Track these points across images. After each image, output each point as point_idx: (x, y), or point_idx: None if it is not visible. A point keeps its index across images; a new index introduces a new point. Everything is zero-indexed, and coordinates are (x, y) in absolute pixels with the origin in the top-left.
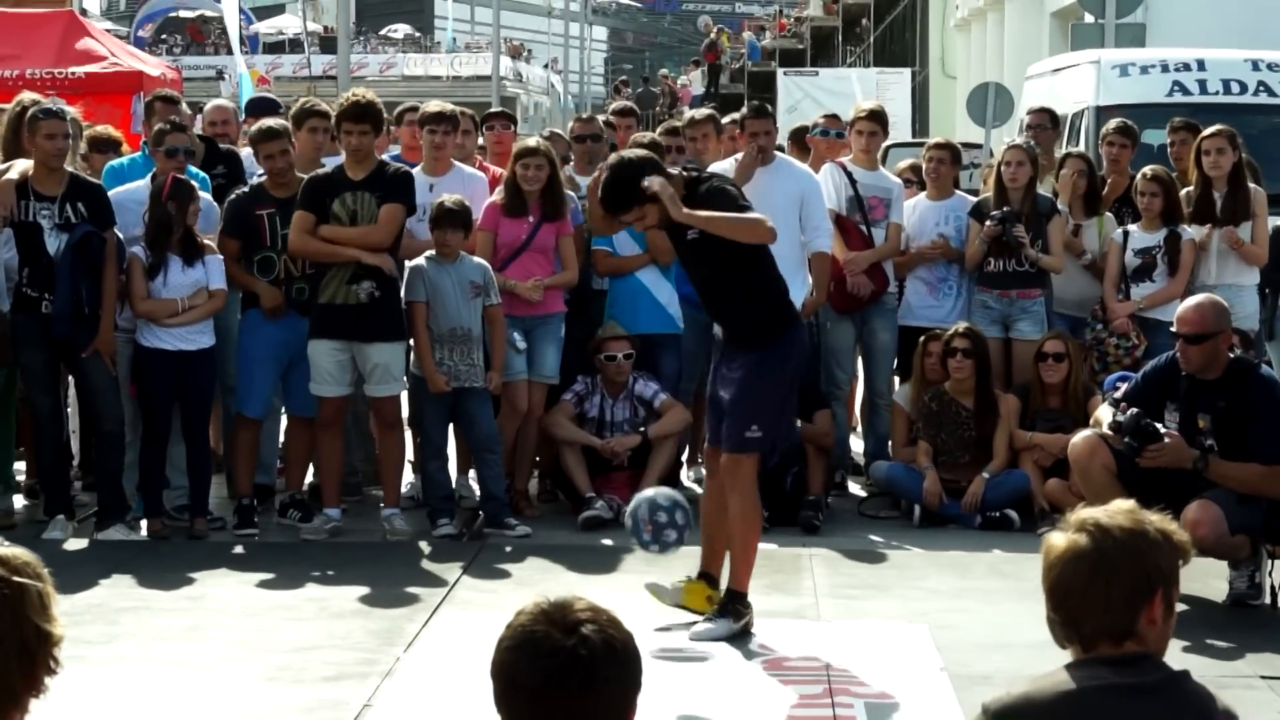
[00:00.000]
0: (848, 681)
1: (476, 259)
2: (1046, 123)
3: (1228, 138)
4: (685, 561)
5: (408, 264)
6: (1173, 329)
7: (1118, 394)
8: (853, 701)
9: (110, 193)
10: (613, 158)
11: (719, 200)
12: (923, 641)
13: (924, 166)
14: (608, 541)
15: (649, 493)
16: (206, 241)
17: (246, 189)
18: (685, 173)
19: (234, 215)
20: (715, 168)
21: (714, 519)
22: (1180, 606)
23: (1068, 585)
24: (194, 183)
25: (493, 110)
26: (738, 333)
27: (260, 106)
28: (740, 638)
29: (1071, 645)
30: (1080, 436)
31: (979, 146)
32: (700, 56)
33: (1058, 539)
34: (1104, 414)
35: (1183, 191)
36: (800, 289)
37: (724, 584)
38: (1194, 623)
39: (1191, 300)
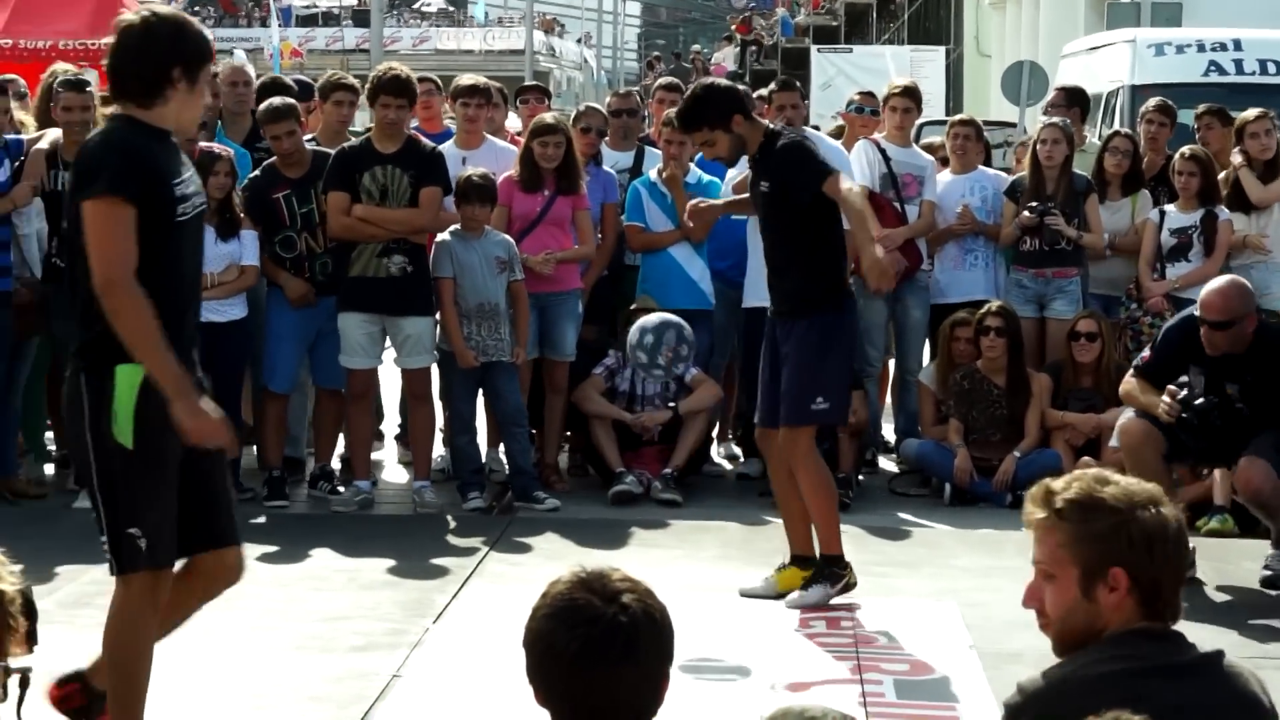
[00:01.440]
0: (876, 659)
1: (501, 234)
2: (1063, 101)
3: (1272, 120)
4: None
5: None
6: (1196, 313)
7: (1142, 356)
8: (881, 679)
9: None
10: (704, 80)
11: (807, 161)
12: (952, 619)
13: (949, 143)
14: (637, 516)
15: (675, 321)
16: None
17: (259, 172)
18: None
19: (251, 200)
20: None
21: (789, 501)
22: (1217, 590)
23: None
24: (222, 153)
25: (527, 84)
26: (795, 296)
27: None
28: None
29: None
30: (1131, 419)
31: (1013, 125)
32: (732, 31)
33: None
34: (1132, 385)
35: (1221, 175)
36: None
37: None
38: (1230, 605)
39: (1214, 285)
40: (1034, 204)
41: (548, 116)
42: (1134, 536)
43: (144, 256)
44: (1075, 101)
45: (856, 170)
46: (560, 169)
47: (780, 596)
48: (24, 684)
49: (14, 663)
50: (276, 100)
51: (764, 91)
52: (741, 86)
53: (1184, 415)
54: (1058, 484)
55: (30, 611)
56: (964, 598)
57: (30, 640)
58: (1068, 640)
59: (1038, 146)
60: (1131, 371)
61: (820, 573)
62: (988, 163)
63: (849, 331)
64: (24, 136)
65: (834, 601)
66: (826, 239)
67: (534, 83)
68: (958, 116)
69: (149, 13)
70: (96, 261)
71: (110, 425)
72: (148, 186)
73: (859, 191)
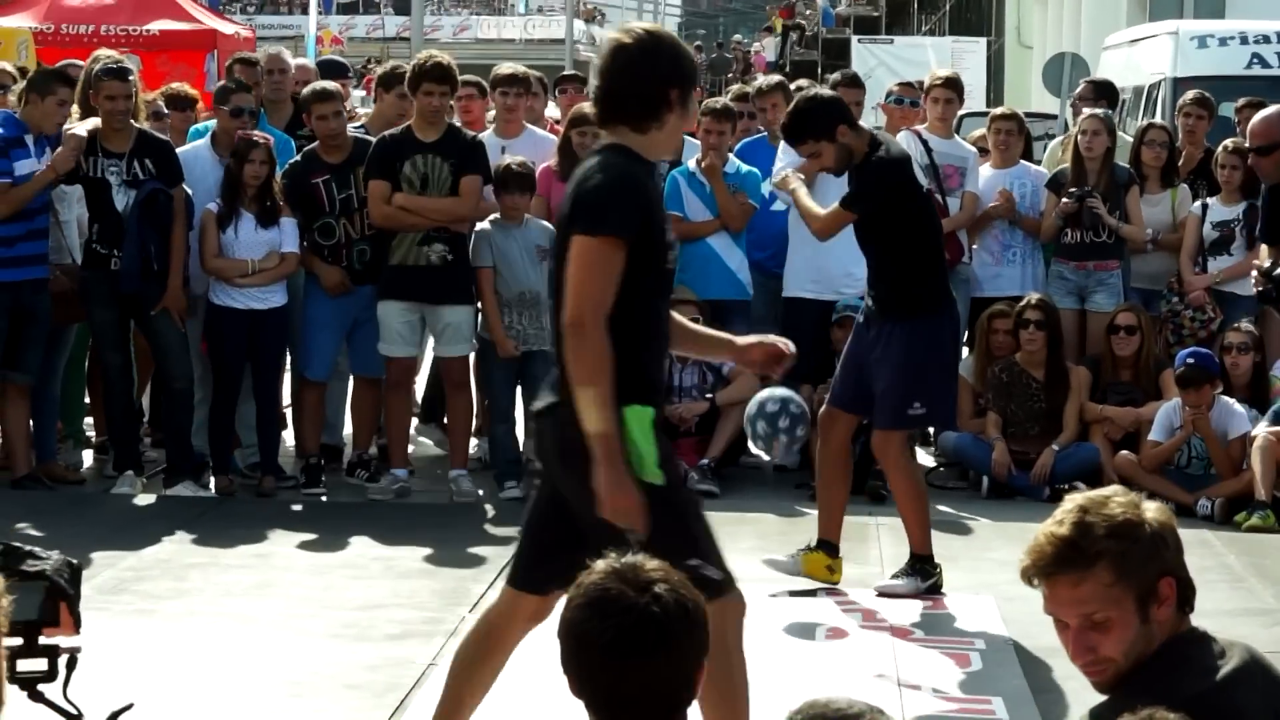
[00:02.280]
0: (912, 652)
1: (542, 222)
2: (1090, 94)
3: None
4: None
5: (474, 229)
6: (1247, 145)
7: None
8: (917, 671)
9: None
10: (808, 92)
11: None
12: (989, 613)
13: (991, 137)
14: None
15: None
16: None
17: (298, 159)
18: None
19: (291, 186)
20: None
21: (829, 486)
22: (1258, 586)
23: None
24: (260, 139)
25: (566, 74)
26: (894, 300)
27: (327, 68)
28: (930, 594)
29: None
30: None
31: (1054, 117)
32: (772, 21)
33: None
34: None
35: None
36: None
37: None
38: (1270, 602)
39: (1259, 114)
40: (1073, 189)
41: (586, 106)
42: (1166, 538)
43: (627, 300)
44: (1103, 94)
45: None
46: None
47: (801, 575)
48: (71, 665)
49: (64, 642)
50: (323, 83)
51: (803, 82)
52: (779, 78)
53: (1265, 287)
54: (1061, 531)
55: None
56: (1001, 591)
57: (75, 622)
58: (1129, 673)
59: (1079, 138)
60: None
61: (913, 567)
62: (1028, 155)
63: (950, 335)
64: (66, 126)
65: (870, 593)
66: (923, 243)
67: (573, 72)
68: (999, 110)
69: (644, 31)
70: (574, 297)
71: (638, 469)
72: (645, 231)
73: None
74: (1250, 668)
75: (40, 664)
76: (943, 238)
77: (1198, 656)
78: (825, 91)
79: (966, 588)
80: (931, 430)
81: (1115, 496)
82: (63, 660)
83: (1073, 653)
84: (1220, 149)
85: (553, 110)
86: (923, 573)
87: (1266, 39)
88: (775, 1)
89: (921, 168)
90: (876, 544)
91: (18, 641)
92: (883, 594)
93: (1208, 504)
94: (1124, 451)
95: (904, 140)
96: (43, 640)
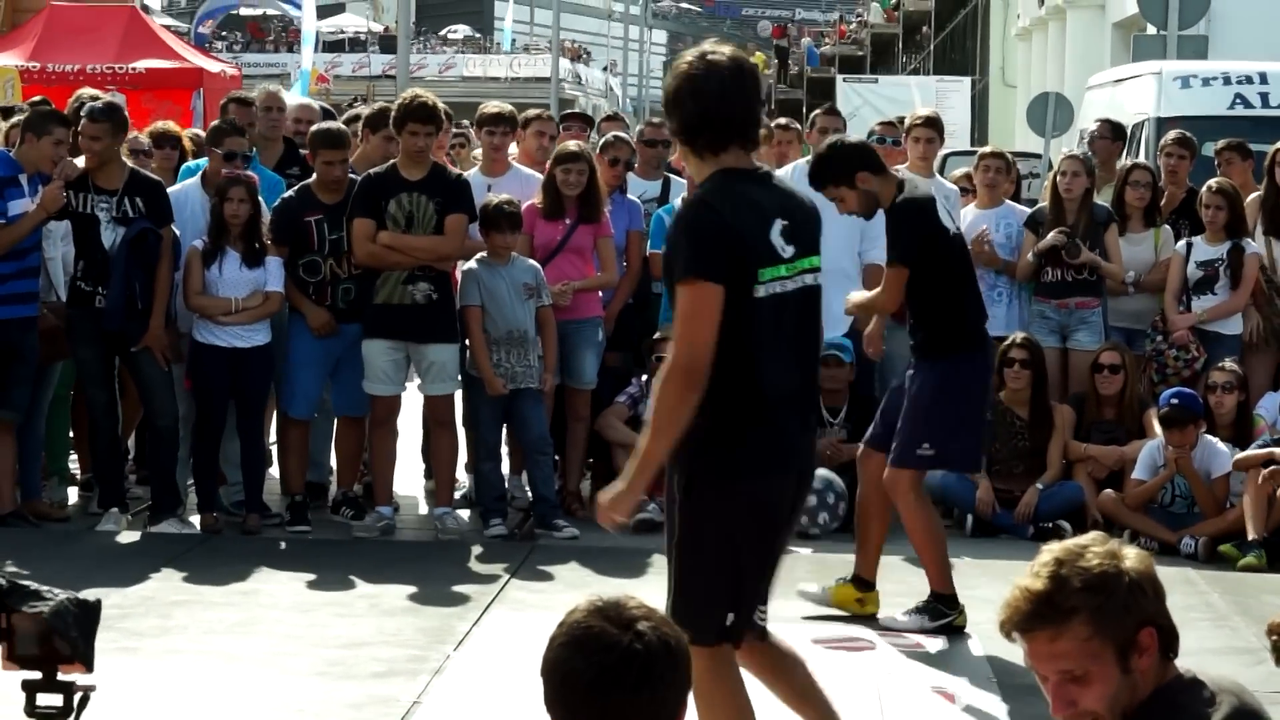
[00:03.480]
0: (896, 689)
1: (528, 260)
2: (1108, 133)
3: None
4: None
5: (460, 267)
6: None
7: None
8: (900, 708)
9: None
10: (832, 138)
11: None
12: (973, 650)
13: (979, 175)
14: (659, 544)
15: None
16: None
17: (293, 193)
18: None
19: (282, 221)
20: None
21: (865, 523)
22: (1241, 626)
23: None
24: (245, 178)
25: (569, 112)
26: (925, 342)
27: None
28: (938, 635)
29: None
30: None
31: (1038, 156)
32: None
33: None
34: None
35: (1249, 199)
36: None
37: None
38: (1253, 641)
39: None
40: (1061, 230)
41: (571, 144)
42: (1145, 586)
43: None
44: (1120, 135)
45: None
46: (582, 197)
47: (832, 606)
48: (83, 703)
49: (80, 680)
50: (334, 125)
51: (782, 121)
52: (854, 139)
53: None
54: (1036, 585)
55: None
56: (985, 629)
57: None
58: None
59: (1058, 178)
60: None
61: (927, 605)
62: (1016, 195)
63: (976, 379)
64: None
65: (854, 629)
66: (958, 287)
67: (578, 110)
68: (987, 149)
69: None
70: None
71: None
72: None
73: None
74: (1241, 712)
75: (56, 699)
76: (975, 281)
77: (1188, 704)
78: (851, 139)
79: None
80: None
81: (1092, 546)
82: (77, 697)
83: (1054, 706)
84: (1205, 189)
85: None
86: (933, 611)
87: (1249, 79)
88: (758, 40)
89: None
90: None
91: (37, 675)
92: (885, 628)
93: (1191, 542)
94: (1108, 490)
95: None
96: (60, 676)
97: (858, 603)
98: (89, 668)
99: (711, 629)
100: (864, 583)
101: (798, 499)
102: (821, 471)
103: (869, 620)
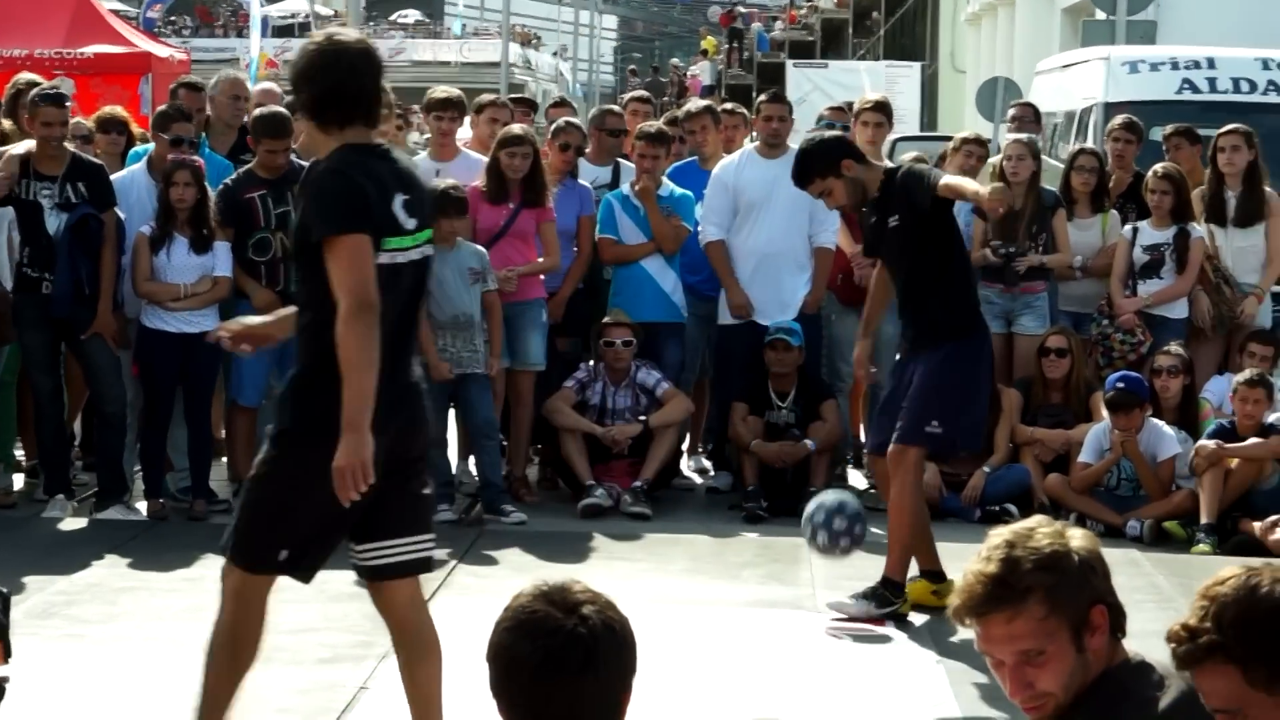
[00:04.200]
0: (841, 675)
1: (473, 245)
2: (1031, 116)
3: (1243, 136)
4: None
5: None
6: None
7: None
8: (847, 692)
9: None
10: (812, 135)
11: (919, 174)
12: (919, 635)
13: (959, 161)
14: (606, 529)
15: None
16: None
17: (233, 177)
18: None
19: (224, 202)
20: (723, 165)
21: (904, 525)
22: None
23: None
24: (192, 162)
25: (515, 97)
26: (926, 327)
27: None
28: (886, 622)
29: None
30: None
31: (988, 141)
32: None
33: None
34: None
35: (1195, 191)
36: (805, 285)
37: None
38: None
39: None
40: (999, 246)
41: (516, 127)
42: (1095, 566)
43: None
44: (1039, 117)
45: None
46: (526, 180)
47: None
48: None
49: None
50: (276, 111)
51: (730, 106)
52: (706, 102)
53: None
54: (990, 569)
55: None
56: (932, 612)
57: (5, 651)
58: (1069, 707)
59: (1004, 163)
60: None
61: (875, 591)
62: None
63: (980, 362)
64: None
65: (802, 614)
66: (956, 267)
67: (522, 95)
68: (967, 134)
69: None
70: None
71: None
72: None
73: (960, 178)
74: (1190, 696)
75: None
76: (969, 260)
77: (1137, 688)
78: (828, 132)
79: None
80: (865, 451)
81: (1040, 527)
82: None
83: (1011, 689)
84: (1150, 174)
85: (465, 131)
86: (881, 598)
87: (1197, 64)
88: (710, 26)
89: None
90: (809, 565)
91: None
92: (833, 609)
93: (1137, 525)
94: (1054, 473)
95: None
96: None
97: (934, 595)
98: (8, 657)
99: (260, 559)
100: (934, 575)
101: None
102: (852, 502)
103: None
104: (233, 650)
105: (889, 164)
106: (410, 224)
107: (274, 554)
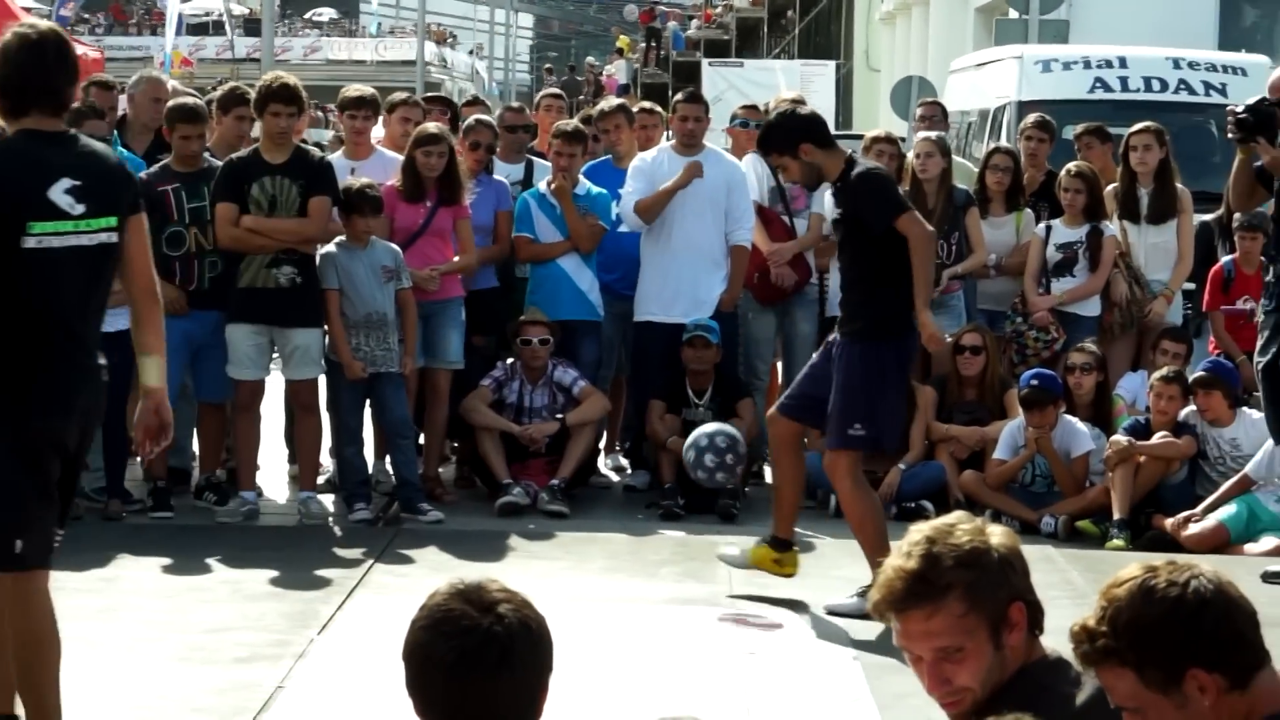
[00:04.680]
0: (762, 672)
1: (387, 243)
2: (939, 115)
3: (1155, 134)
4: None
5: (319, 251)
6: (1266, 100)
7: None
8: (766, 692)
9: None
10: (784, 107)
11: (879, 194)
12: (835, 630)
13: (872, 159)
14: (523, 527)
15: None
16: None
17: (148, 171)
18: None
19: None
20: (641, 158)
21: (781, 486)
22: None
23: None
24: None
25: (431, 95)
26: (856, 320)
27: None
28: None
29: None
30: None
31: (902, 140)
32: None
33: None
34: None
35: (1108, 189)
36: (721, 283)
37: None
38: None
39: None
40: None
41: (431, 126)
42: (1014, 563)
43: None
44: (948, 116)
45: (748, 185)
46: (442, 179)
47: (750, 568)
48: None
49: None
50: (190, 100)
51: (645, 104)
52: (620, 101)
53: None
54: (910, 565)
55: None
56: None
57: None
58: (986, 703)
59: (913, 161)
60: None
61: (866, 589)
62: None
63: (902, 364)
64: None
65: (719, 610)
66: (893, 270)
67: (438, 94)
68: (877, 132)
69: (42, 31)
70: None
71: None
72: None
73: (929, 235)
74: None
75: None
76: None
77: (1054, 684)
78: (803, 109)
79: (814, 606)
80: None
81: (960, 524)
82: None
83: (928, 685)
84: (1064, 172)
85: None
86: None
87: (1109, 63)
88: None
89: (769, 190)
90: (725, 564)
91: None
92: (831, 612)
93: (1051, 521)
94: (969, 470)
95: (749, 163)
96: None
97: (775, 563)
98: None
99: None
100: (781, 543)
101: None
102: (729, 430)
103: (795, 605)
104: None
105: (850, 153)
106: (77, 209)
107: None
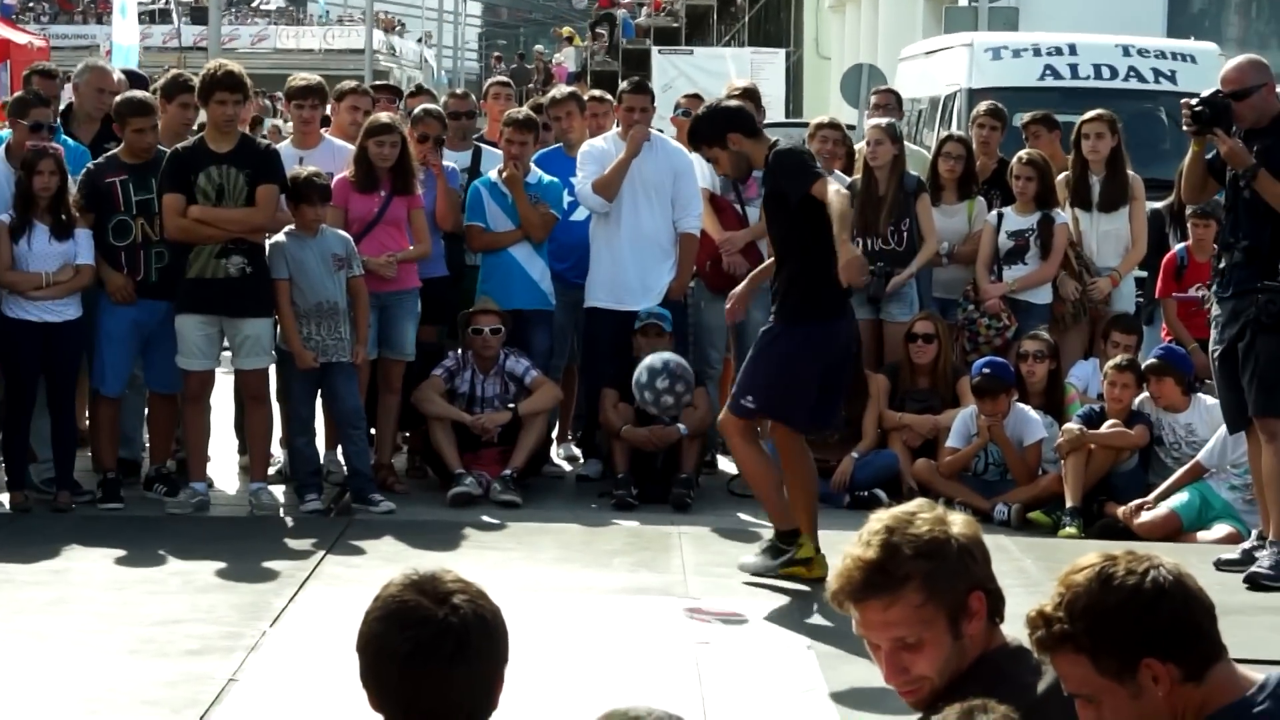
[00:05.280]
0: (715, 659)
1: (338, 231)
2: (894, 102)
3: (1107, 123)
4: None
5: (268, 241)
6: (1220, 92)
7: None
8: (719, 679)
9: None
10: (713, 101)
11: (791, 166)
12: (788, 617)
13: (815, 145)
14: (476, 518)
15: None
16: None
17: (97, 161)
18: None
19: (86, 188)
20: (590, 144)
21: (753, 478)
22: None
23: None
24: (52, 149)
25: (379, 83)
26: (780, 300)
27: (130, 81)
28: (790, 568)
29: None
30: None
31: (852, 128)
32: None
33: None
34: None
35: (1060, 177)
36: (669, 271)
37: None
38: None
39: (1231, 61)
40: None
41: (383, 116)
42: (974, 552)
43: None
44: (901, 103)
45: (697, 172)
46: (395, 169)
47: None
48: None
49: None
50: (139, 94)
51: (596, 92)
52: (571, 88)
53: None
54: (868, 554)
55: None
56: (803, 595)
57: None
58: (945, 691)
59: (864, 148)
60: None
61: (770, 546)
62: (849, 167)
63: (818, 350)
64: None
65: (673, 600)
66: (817, 249)
67: (386, 82)
68: (824, 119)
69: None
70: None
71: None
72: None
73: (844, 195)
74: None
75: None
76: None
77: (1014, 673)
78: (731, 102)
79: (767, 594)
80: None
81: (920, 513)
82: None
83: (886, 674)
84: (1015, 160)
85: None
86: (775, 550)
87: (1059, 51)
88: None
89: (720, 179)
90: (679, 552)
91: None
92: (743, 569)
93: (1004, 509)
94: (922, 459)
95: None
96: None
97: (803, 568)
98: None
99: None
100: (786, 535)
101: None
102: (680, 361)
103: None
104: None
105: (775, 140)
106: None
107: None
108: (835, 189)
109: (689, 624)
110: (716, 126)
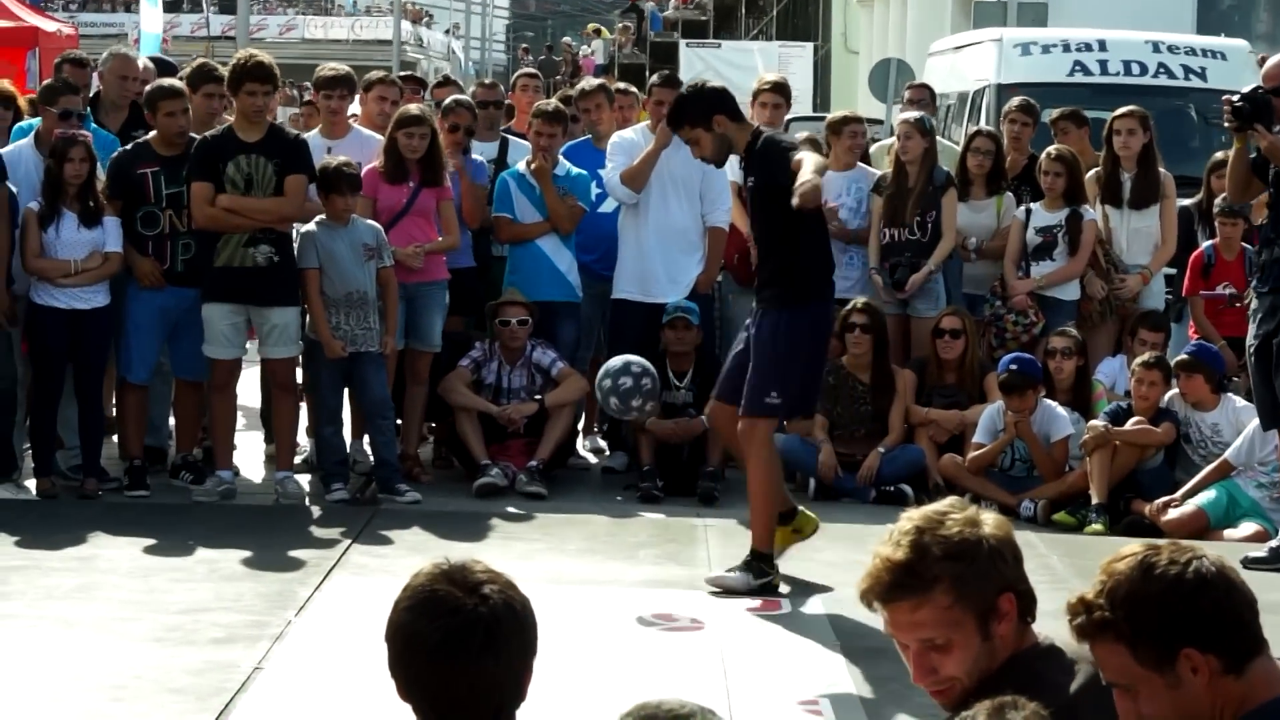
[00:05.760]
0: (742, 653)
1: (368, 221)
2: (927, 97)
3: (1139, 119)
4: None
5: (298, 230)
6: (1261, 88)
7: None
8: (746, 673)
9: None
10: (695, 82)
11: (778, 153)
12: (816, 613)
13: (842, 141)
14: (501, 509)
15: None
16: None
17: (128, 148)
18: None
19: (115, 175)
20: (619, 135)
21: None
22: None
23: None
24: (82, 137)
25: (404, 74)
26: (771, 289)
27: (159, 69)
28: (761, 593)
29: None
30: None
31: (879, 122)
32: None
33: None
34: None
35: (1090, 173)
36: (697, 265)
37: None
38: None
39: (1273, 57)
40: (886, 268)
41: (413, 107)
42: (1004, 553)
43: None
44: (934, 98)
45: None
46: (424, 160)
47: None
48: None
49: None
50: (168, 81)
51: (622, 85)
52: (600, 80)
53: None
54: (898, 555)
55: None
56: (827, 592)
57: None
58: (976, 691)
59: (894, 143)
60: None
61: (749, 563)
62: (865, 158)
63: (816, 333)
64: None
65: (698, 594)
66: (808, 241)
67: (411, 74)
68: (845, 112)
69: None
70: None
71: None
72: None
73: (817, 158)
74: (1098, 680)
75: None
76: (827, 238)
77: (1046, 672)
78: (715, 84)
79: (794, 588)
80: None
81: (952, 513)
82: None
83: (915, 674)
84: (1044, 156)
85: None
86: (757, 570)
87: (1088, 46)
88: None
89: None
90: (705, 545)
91: None
92: (712, 584)
93: (1030, 505)
94: (949, 454)
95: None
96: None
97: (795, 533)
98: None
99: None
100: (784, 516)
101: None
102: (641, 362)
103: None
104: None
105: (758, 126)
106: None
107: None
108: (809, 156)
109: (716, 616)
110: (706, 106)
